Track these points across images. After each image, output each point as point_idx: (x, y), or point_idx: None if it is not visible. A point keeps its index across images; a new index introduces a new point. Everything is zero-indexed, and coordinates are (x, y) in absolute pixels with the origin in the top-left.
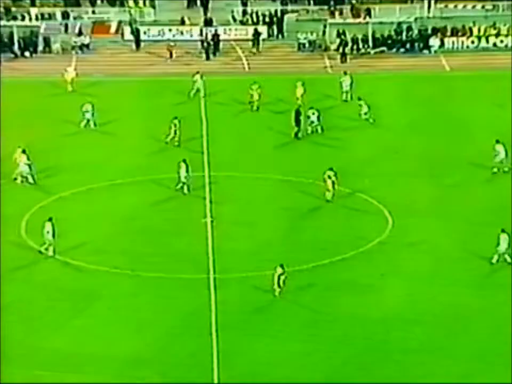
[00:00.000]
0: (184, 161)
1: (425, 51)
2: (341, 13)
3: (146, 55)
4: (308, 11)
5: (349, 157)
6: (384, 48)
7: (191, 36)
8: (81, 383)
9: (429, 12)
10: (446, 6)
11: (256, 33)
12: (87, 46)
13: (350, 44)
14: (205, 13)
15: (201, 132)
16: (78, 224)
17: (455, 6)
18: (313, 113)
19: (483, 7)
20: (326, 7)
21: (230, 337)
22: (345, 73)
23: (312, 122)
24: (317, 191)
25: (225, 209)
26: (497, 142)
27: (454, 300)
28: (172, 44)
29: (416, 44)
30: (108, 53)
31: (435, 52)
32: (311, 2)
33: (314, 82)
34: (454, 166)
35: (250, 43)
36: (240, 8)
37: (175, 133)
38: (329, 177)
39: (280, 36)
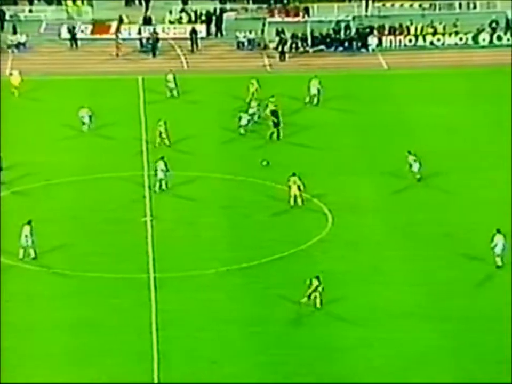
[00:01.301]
0: (162, 158)
1: (363, 49)
2: (279, 12)
3: (84, 53)
4: (246, 9)
5: (290, 155)
6: (322, 47)
7: (129, 34)
8: (28, 383)
9: (366, 10)
10: (383, 5)
11: (194, 32)
12: (24, 44)
13: (289, 43)
14: (146, 11)
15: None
16: (18, 224)
17: (393, 5)
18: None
19: (420, 5)
20: (265, 5)
21: (171, 336)
22: (315, 76)
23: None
24: (257, 189)
25: (166, 207)
26: (409, 153)
27: (393, 297)
28: (120, 41)
29: (354, 43)
30: (45, 51)
31: (373, 50)
32: (250, 1)
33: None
34: (393, 164)
35: (189, 42)
36: (179, 7)
37: (160, 135)
38: (295, 182)
39: (219, 35)
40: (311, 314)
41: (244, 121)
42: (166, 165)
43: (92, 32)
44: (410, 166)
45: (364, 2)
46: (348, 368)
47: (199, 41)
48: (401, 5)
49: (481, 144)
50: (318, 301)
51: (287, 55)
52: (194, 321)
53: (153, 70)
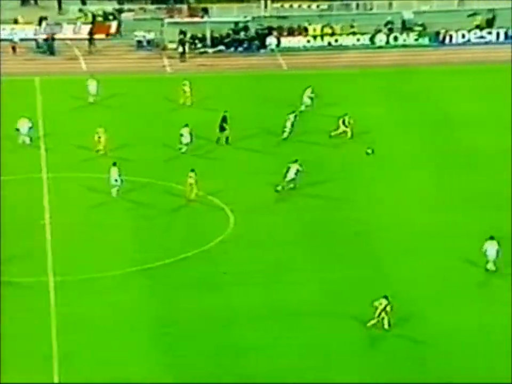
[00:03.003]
0: (115, 164)
1: (263, 50)
2: (179, 12)
3: None
4: (145, 10)
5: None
6: (222, 47)
7: (26, 34)
8: None
9: (265, 11)
10: (282, 6)
11: (91, 32)
12: None
13: (188, 43)
14: (60, 8)
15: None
16: None
17: (291, 6)
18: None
19: (318, 6)
20: (163, 6)
21: (73, 339)
22: (309, 86)
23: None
24: (160, 190)
25: (68, 210)
26: (295, 162)
27: (299, 296)
28: (17, 41)
29: (253, 43)
30: None
31: (272, 50)
32: (149, 1)
33: (154, 82)
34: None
35: (87, 42)
36: (76, 7)
37: (99, 141)
38: (191, 177)
39: (117, 35)
40: (217, 316)
41: (185, 139)
42: (118, 172)
43: (91, 32)
44: (297, 173)
45: (262, 3)
46: (257, 369)
47: (96, 41)
48: (299, 6)
49: (393, 144)
50: (386, 321)
51: (187, 56)
52: (98, 323)
53: (51, 71)
